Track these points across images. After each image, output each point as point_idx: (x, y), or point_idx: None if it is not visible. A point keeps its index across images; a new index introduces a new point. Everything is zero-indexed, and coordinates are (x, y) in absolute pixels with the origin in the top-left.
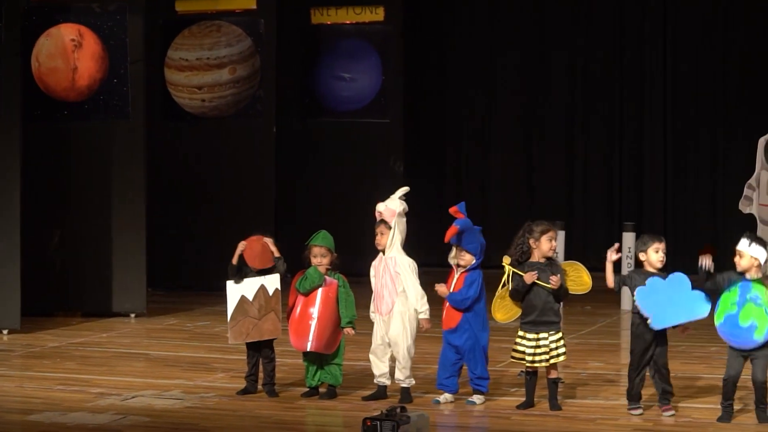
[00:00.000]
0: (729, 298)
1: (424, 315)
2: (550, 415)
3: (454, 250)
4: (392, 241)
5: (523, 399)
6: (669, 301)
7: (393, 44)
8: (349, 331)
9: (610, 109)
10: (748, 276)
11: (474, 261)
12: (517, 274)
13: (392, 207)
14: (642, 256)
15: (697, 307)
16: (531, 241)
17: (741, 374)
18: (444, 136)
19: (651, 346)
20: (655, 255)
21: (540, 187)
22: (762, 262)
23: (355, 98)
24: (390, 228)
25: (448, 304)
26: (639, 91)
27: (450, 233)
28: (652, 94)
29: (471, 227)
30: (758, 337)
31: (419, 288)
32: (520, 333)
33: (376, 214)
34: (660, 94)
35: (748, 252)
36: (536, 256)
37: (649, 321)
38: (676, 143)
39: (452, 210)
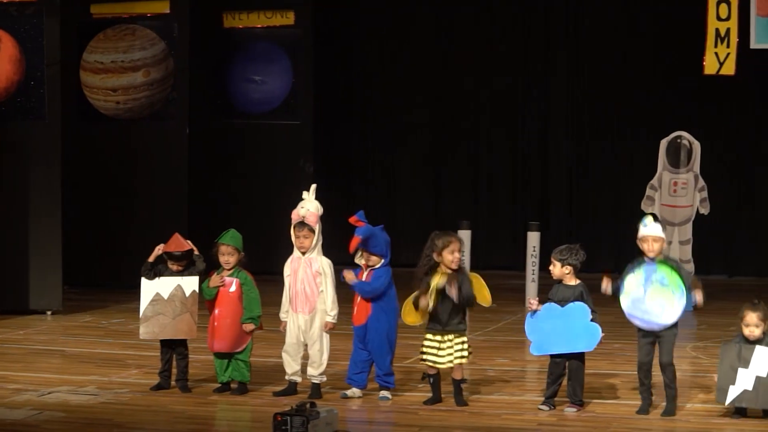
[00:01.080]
0: (634, 280)
1: (332, 319)
2: (456, 411)
3: (360, 252)
4: (315, 243)
5: (431, 395)
6: (555, 330)
7: (303, 47)
8: (247, 326)
9: (515, 108)
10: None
11: (383, 260)
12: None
13: (314, 210)
14: (437, 258)
15: (583, 341)
16: (434, 255)
17: (653, 360)
18: (353, 137)
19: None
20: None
21: (446, 186)
22: (664, 238)
23: (266, 100)
24: (313, 231)
25: (359, 300)
26: (544, 90)
27: (353, 244)
28: (556, 94)
29: (373, 231)
30: (666, 320)
31: (334, 292)
32: (428, 335)
33: (295, 218)
34: (563, 94)
35: (651, 234)
36: (442, 268)
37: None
38: (580, 143)
39: (352, 220)
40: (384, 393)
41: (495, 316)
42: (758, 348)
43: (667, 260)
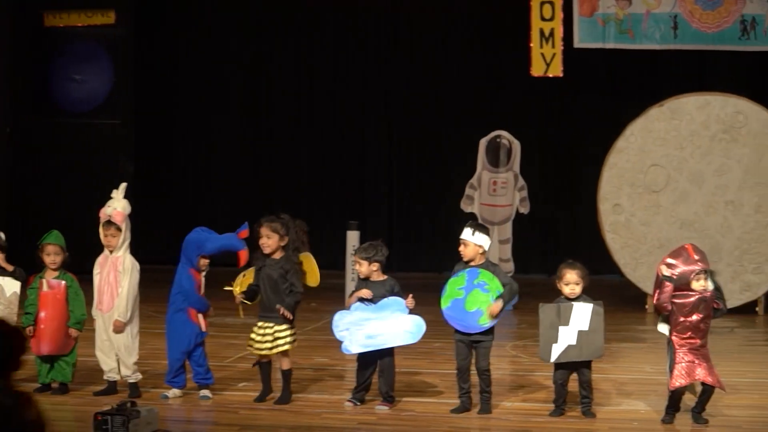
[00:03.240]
0: (456, 283)
1: (121, 318)
2: (277, 409)
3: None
4: (122, 241)
5: (258, 393)
6: (368, 327)
7: (124, 47)
8: (72, 332)
9: (333, 107)
10: (473, 264)
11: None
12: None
13: (121, 209)
14: None
15: (408, 333)
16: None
17: (471, 363)
18: (174, 137)
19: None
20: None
21: (265, 186)
22: (486, 249)
23: (87, 99)
24: (120, 230)
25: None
26: (362, 89)
27: (242, 258)
28: (373, 93)
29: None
30: (483, 323)
31: (131, 293)
32: (259, 323)
33: (102, 216)
34: (382, 93)
35: (472, 241)
36: (278, 255)
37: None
38: (401, 142)
39: (243, 234)
40: (204, 392)
41: (315, 315)
42: (576, 305)
43: (488, 267)
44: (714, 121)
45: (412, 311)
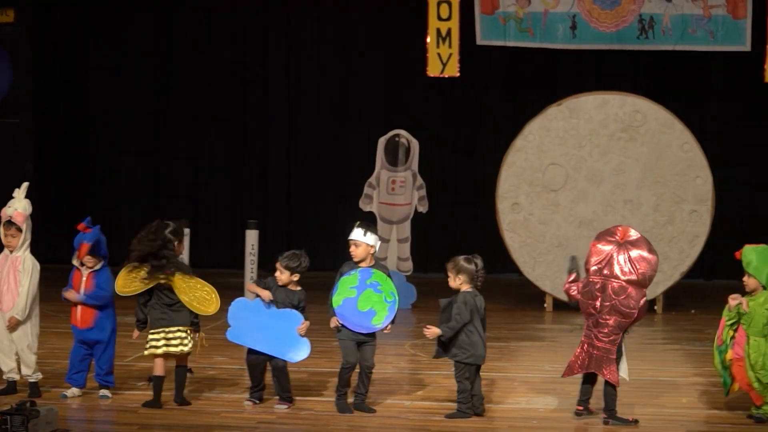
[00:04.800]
0: (348, 282)
1: (18, 315)
2: (177, 409)
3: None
4: (23, 242)
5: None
6: (261, 326)
7: (23, 45)
8: None
9: (236, 107)
10: (364, 264)
11: (103, 261)
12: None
13: (21, 210)
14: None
15: (291, 351)
16: (177, 243)
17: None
18: (75, 136)
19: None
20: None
21: (167, 184)
22: (377, 249)
23: None
24: (20, 230)
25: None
26: (261, 88)
27: (83, 251)
28: (274, 92)
29: (99, 236)
30: (376, 324)
31: (31, 292)
32: (156, 328)
33: (3, 216)
34: (282, 91)
35: (364, 241)
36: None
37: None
38: (299, 141)
39: (80, 227)
40: (104, 392)
41: (215, 315)
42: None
43: (380, 267)
44: (612, 120)
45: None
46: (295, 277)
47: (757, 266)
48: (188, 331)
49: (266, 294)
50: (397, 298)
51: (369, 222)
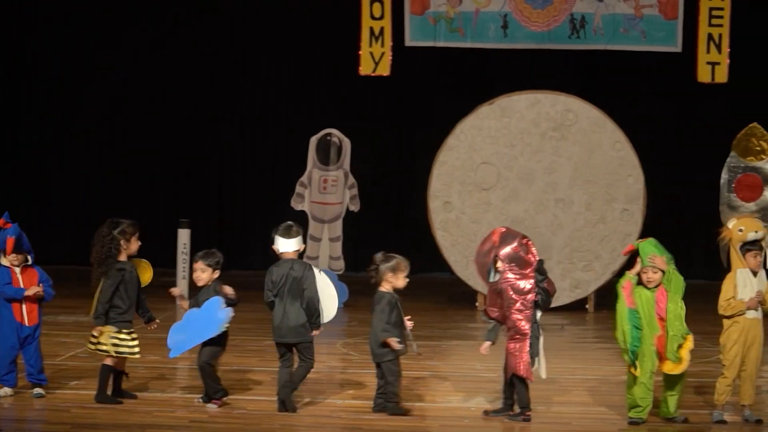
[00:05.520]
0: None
1: None
2: (108, 408)
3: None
4: None
5: (94, 392)
6: (190, 328)
7: None
8: None
9: (167, 106)
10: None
11: (29, 256)
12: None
13: None
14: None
15: (209, 328)
16: (123, 242)
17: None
18: (6, 137)
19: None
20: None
21: (98, 182)
22: (300, 251)
23: None
24: None
25: (26, 301)
26: (191, 87)
27: (10, 246)
28: (204, 91)
29: (20, 231)
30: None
31: None
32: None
33: None
34: (212, 90)
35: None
36: (124, 256)
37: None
38: (231, 140)
39: (0, 223)
40: (38, 390)
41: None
42: None
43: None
44: (544, 119)
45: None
46: (216, 274)
47: (655, 250)
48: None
49: (185, 304)
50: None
51: (289, 225)
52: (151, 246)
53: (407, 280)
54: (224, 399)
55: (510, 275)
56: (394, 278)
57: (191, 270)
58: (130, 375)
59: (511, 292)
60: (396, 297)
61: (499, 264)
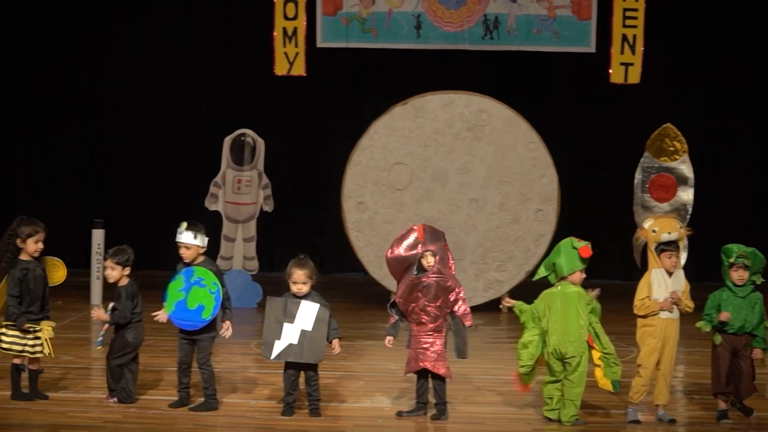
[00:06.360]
0: (175, 286)
1: None
2: (21, 408)
3: None
4: None
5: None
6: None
7: None
8: None
9: (81, 104)
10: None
11: None
12: None
13: None
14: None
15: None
16: (18, 242)
17: (192, 359)
18: None
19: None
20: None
21: (16, 183)
22: (205, 249)
23: None
24: None
25: None
26: (104, 84)
27: None
28: (119, 89)
29: None
30: (205, 317)
31: None
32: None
33: None
34: (127, 89)
35: (194, 243)
36: (26, 255)
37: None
38: (145, 140)
39: None
40: None
41: (60, 314)
42: (303, 302)
43: (205, 264)
44: (458, 119)
45: None
46: (127, 271)
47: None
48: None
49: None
50: (220, 287)
51: (196, 222)
52: (65, 246)
53: (297, 286)
54: (115, 400)
55: (438, 271)
56: (289, 281)
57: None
58: (44, 375)
59: (437, 289)
60: (287, 299)
61: (430, 259)
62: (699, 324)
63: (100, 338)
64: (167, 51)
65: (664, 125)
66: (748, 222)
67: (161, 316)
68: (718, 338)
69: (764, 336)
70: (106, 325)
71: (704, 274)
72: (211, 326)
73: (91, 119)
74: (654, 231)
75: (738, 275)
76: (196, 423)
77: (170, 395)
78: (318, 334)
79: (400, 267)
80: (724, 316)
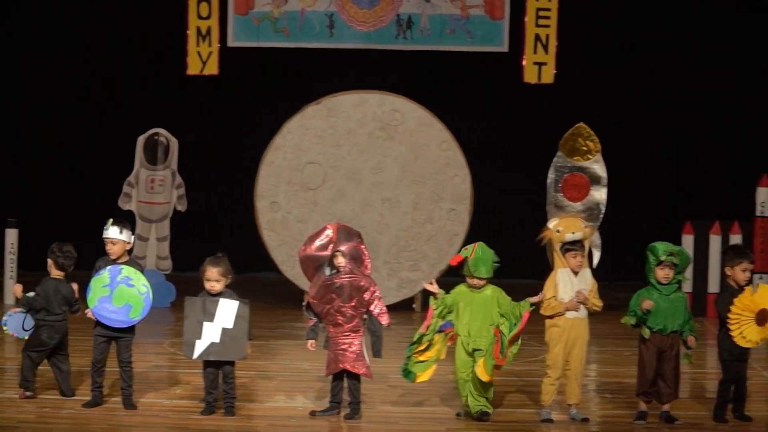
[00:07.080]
0: (99, 281)
1: None
2: None
3: None
4: None
5: None
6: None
7: None
8: None
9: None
10: (120, 261)
11: None
12: None
13: None
14: None
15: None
16: None
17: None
18: None
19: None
20: None
21: None
22: (132, 246)
23: None
24: None
25: None
26: (23, 84)
27: None
28: (37, 88)
29: None
30: (134, 317)
31: None
32: None
33: None
34: (44, 88)
35: (120, 238)
36: None
37: None
38: (60, 138)
39: None
40: None
41: None
42: (222, 301)
43: (132, 264)
44: (371, 118)
45: None
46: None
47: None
48: None
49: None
50: (149, 289)
51: (123, 219)
52: None
53: (210, 284)
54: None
55: (350, 271)
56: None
57: (19, 270)
58: None
59: (350, 289)
60: (204, 299)
61: (341, 259)
62: (624, 319)
63: (5, 318)
64: (79, 48)
65: (577, 125)
66: (661, 222)
67: (89, 312)
68: (647, 331)
69: (692, 328)
70: (16, 309)
71: (616, 273)
72: (133, 327)
73: (8, 116)
74: (558, 231)
75: (664, 273)
76: (111, 423)
77: (85, 395)
78: (239, 332)
79: (312, 266)
80: (647, 304)
